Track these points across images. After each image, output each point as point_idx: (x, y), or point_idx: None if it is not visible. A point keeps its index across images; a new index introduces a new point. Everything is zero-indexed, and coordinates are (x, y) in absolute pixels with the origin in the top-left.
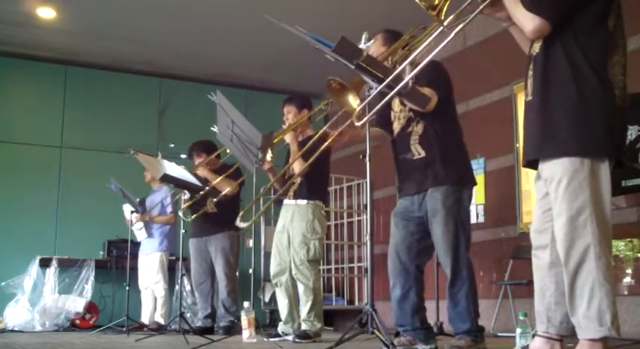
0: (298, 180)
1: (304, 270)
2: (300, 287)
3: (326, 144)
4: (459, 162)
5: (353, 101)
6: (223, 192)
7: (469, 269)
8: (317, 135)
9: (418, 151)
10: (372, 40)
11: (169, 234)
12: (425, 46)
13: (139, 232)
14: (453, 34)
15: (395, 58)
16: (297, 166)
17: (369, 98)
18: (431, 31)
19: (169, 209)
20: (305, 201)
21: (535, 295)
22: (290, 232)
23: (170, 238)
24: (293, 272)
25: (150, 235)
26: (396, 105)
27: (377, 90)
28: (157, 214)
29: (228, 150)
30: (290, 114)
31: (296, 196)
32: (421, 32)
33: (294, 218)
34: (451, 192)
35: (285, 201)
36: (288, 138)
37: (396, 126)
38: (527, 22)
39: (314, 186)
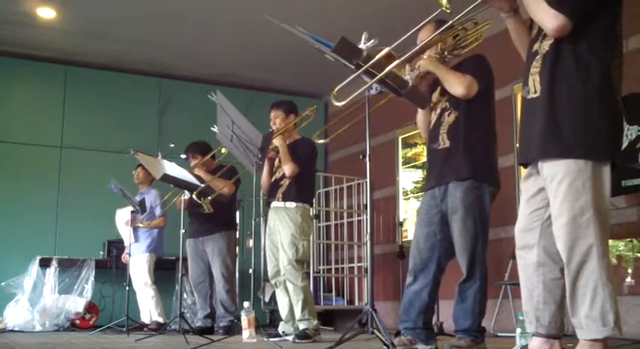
0: (287, 182)
1: (292, 270)
2: (290, 287)
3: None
4: (483, 158)
5: (402, 70)
6: (219, 191)
7: (482, 269)
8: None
9: (444, 141)
10: (372, 40)
11: (156, 235)
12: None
13: (127, 236)
14: (456, 19)
15: (444, 47)
16: (288, 169)
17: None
18: (482, 27)
19: (158, 211)
20: (294, 204)
21: (522, 295)
22: (279, 233)
23: (157, 240)
24: (282, 273)
25: (136, 239)
26: (435, 96)
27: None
28: (143, 218)
29: (223, 150)
30: (277, 118)
31: (285, 198)
32: (472, 26)
33: (283, 220)
34: (471, 190)
35: (274, 204)
36: (277, 142)
37: (432, 117)
38: (550, 19)
39: (302, 189)
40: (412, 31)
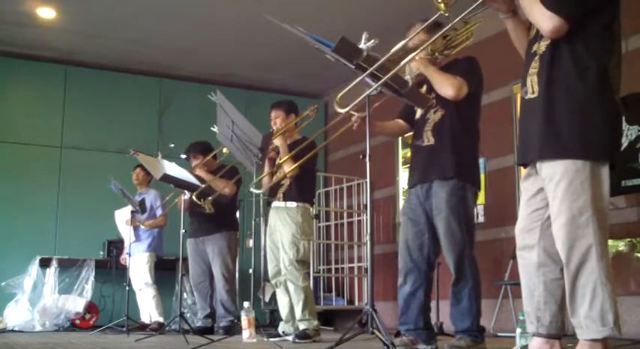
0: (287, 182)
1: (293, 271)
2: (291, 287)
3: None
4: (467, 158)
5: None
6: (220, 191)
7: (473, 269)
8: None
9: (428, 138)
10: (372, 40)
11: (156, 235)
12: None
13: (127, 235)
14: (457, 20)
15: (434, 48)
16: (288, 169)
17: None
18: (472, 26)
19: (159, 211)
20: (295, 204)
21: (523, 295)
22: (280, 234)
23: (157, 239)
24: (282, 273)
25: (137, 238)
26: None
27: (373, 89)
28: (145, 218)
29: (224, 150)
30: (278, 118)
31: (285, 198)
32: (462, 25)
33: (284, 220)
34: (455, 190)
35: (274, 203)
36: (277, 141)
37: (417, 114)
38: (546, 20)
39: (303, 188)
40: (416, 32)
